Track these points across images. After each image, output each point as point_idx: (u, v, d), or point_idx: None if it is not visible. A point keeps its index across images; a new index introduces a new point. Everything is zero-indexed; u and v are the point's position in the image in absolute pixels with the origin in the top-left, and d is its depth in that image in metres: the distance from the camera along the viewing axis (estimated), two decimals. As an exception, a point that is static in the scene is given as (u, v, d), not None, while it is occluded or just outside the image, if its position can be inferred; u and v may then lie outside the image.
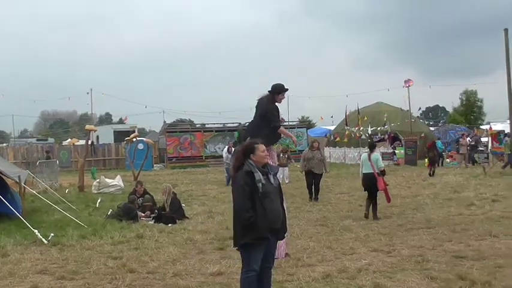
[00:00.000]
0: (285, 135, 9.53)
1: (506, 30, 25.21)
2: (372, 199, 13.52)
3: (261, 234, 5.81)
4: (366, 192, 13.86)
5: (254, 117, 9.42)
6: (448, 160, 32.61)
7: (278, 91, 9.11)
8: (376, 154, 14.00)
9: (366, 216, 13.33)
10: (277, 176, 6.36)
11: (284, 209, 6.31)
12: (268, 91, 9.17)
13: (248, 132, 9.45)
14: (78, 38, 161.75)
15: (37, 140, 54.59)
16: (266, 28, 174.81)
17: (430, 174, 24.92)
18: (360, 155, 33.89)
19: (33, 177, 19.63)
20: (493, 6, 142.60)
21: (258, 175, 5.89)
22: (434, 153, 26.66)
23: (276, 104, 9.21)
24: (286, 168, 22.25)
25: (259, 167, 5.99)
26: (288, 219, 6.76)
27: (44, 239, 10.87)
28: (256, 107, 9.37)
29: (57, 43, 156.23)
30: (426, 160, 31.70)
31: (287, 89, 9.19)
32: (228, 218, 12.10)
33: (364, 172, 13.80)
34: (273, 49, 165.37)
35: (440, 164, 31.15)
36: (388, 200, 13.87)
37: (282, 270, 8.19)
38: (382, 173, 13.60)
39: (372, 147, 14.19)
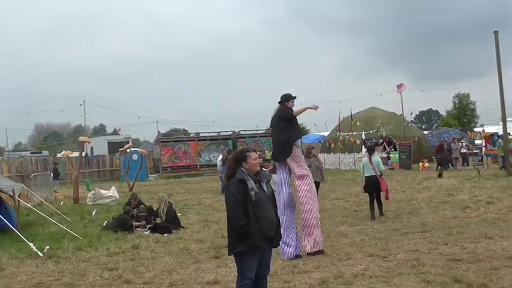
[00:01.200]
0: (303, 112, 10.21)
1: (496, 32, 25.29)
2: (376, 200, 13.96)
3: (254, 243, 5.81)
4: (367, 195, 14.28)
5: (273, 130, 10.49)
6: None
7: (286, 99, 10.09)
8: (377, 157, 14.40)
9: (373, 217, 13.70)
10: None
11: (278, 216, 6.30)
12: (278, 102, 10.17)
13: (275, 144, 10.56)
14: (60, 48, 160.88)
15: (31, 153, 54.29)
16: (255, 35, 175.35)
17: (439, 176, 24.75)
18: (355, 161, 34.28)
19: (28, 190, 19.59)
20: (484, 9, 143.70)
21: (251, 183, 5.90)
22: (442, 156, 26.66)
23: None
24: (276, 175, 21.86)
25: (252, 174, 6.01)
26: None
27: (39, 252, 10.83)
28: (271, 120, 10.34)
29: (38, 54, 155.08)
30: (420, 164, 31.83)
31: (295, 97, 10.13)
32: (223, 226, 12.08)
33: (366, 175, 14.18)
34: (263, 56, 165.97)
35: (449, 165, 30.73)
36: (387, 198, 14.35)
37: (278, 278, 8.19)
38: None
39: (371, 150, 14.46)
